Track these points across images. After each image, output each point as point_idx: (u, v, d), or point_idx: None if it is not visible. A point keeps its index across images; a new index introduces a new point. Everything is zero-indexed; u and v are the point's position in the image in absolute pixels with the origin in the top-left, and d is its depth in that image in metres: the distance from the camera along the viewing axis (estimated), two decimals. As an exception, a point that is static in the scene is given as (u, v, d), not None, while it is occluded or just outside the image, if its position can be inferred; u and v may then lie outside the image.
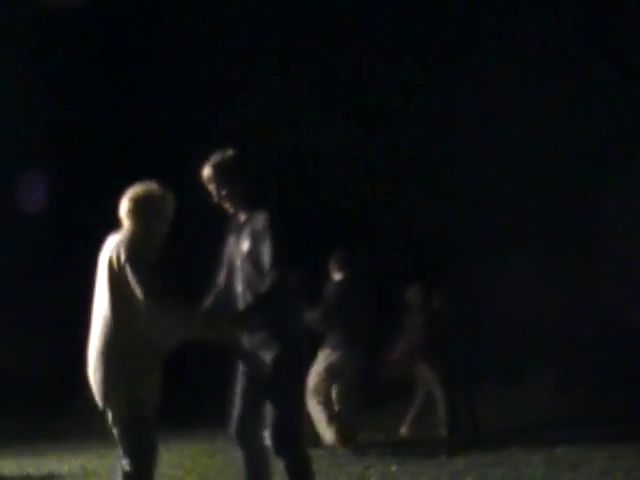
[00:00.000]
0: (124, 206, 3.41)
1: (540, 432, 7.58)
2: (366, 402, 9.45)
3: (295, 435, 3.55)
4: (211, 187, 3.69)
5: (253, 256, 3.56)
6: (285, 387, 3.52)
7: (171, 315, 3.26)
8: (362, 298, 6.77)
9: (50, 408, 9.60)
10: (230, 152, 3.73)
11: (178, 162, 12.47)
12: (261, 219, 3.57)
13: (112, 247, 3.31)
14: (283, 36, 12.52)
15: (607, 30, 11.89)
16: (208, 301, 3.77)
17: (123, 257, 3.22)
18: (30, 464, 6.45)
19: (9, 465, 6.57)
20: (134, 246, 3.26)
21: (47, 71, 11.41)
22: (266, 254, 3.50)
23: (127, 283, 3.20)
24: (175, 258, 3.62)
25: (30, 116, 10.88)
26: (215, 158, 3.70)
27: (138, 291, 3.17)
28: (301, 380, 3.78)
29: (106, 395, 3.26)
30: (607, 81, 11.84)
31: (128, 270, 3.20)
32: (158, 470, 6.00)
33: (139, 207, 3.38)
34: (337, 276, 6.71)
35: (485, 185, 12.09)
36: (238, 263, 3.65)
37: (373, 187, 13.27)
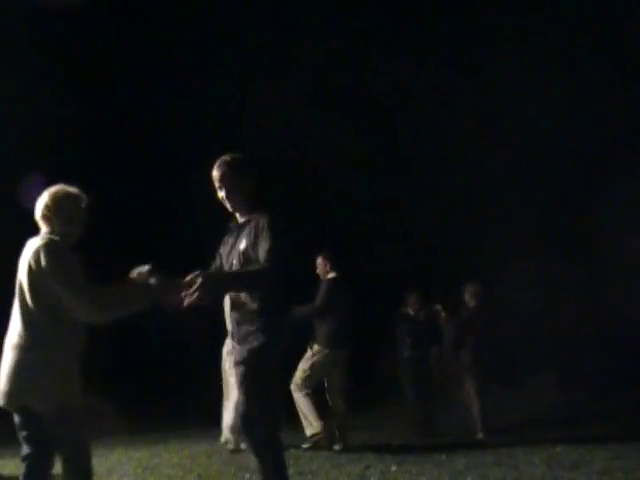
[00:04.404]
0: (39, 210, 3.46)
1: (540, 432, 7.57)
2: (365, 402, 9.46)
3: (263, 419, 3.55)
4: (219, 186, 3.75)
5: (248, 253, 3.61)
6: (259, 373, 3.55)
7: (110, 303, 3.32)
8: (348, 297, 6.88)
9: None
10: (240, 154, 3.80)
11: (179, 161, 12.53)
12: (263, 220, 3.61)
13: (31, 251, 3.34)
14: (282, 37, 12.51)
15: (608, 30, 11.87)
16: None
17: (43, 262, 3.26)
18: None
19: (9, 465, 6.56)
20: (53, 250, 3.30)
21: (50, 69, 11.40)
22: (261, 250, 3.53)
23: (46, 285, 3.26)
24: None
25: (32, 115, 10.87)
26: (226, 158, 3.76)
27: (67, 295, 3.23)
28: (276, 371, 3.75)
29: (33, 389, 3.28)
30: (609, 82, 11.82)
31: (50, 275, 3.25)
32: (158, 470, 6.05)
33: (53, 210, 3.43)
34: (329, 274, 6.86)
35: (486, 187, 12.09)
36: (234, 261, 3.70)
37: (372, 189, 13.27)
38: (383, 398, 10.27)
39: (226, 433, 6.73)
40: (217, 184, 3.75)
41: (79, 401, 3.37)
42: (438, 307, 7.92)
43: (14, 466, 6.50)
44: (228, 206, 3.80)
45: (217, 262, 3.89)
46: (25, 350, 3.30)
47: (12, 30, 10.45)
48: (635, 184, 10.27)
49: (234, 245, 3.75)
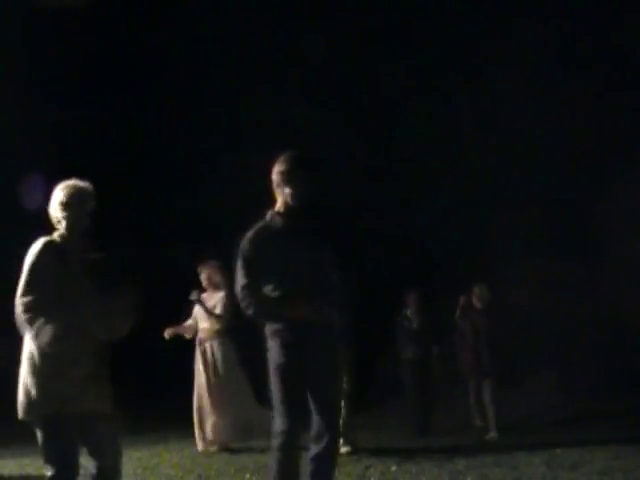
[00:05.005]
0: (52, 205, 3.39)
1: (540, 432, 7.58)
2: (365, 402, 9.45)
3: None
4: (281, 183, 3.58)
5: (327, 261, 3.64)
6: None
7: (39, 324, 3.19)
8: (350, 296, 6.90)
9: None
10: (307, 152, 3.71)
11: (179, 162, 12.53)
12: (325, 227, 3.71)
13: None
14: (281, 36, 12.50)
15: (609, 32, 11.86)
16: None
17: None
18: (30, 464, 6.43)
19: (9, 465, 6.57)
20: (37, 247, 3.24)
21: (48, 71, 11.40)
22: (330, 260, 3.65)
23: None
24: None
25: (31, 117, 10.87)
26: (296, 154, 3.62)
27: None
28: None
29: (22, 395, 3.19)
30: (610, 83, 11.81)
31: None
32: (158, 470, 6.04)
33: (64, 204, 3.35)
34: None
35: (487, 188, 12.07)
36: (303, 265, 3.55)
37: (372, 189, 13.25)
38: (383, 398, 10.26)
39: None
40: (286, 177, 3.55)
41: (72, 410, 3.17)
42: (461, 300, 7.91)
43: (14, 466, 6.51)
44: (290, 200, 3.59)
45: (261, 263, 3.56)
46: (23, 359, 3.24)
47: (12, 31, 10.46)
48: (636, 184, 10.27)
49: (300, 245, 3.56)
